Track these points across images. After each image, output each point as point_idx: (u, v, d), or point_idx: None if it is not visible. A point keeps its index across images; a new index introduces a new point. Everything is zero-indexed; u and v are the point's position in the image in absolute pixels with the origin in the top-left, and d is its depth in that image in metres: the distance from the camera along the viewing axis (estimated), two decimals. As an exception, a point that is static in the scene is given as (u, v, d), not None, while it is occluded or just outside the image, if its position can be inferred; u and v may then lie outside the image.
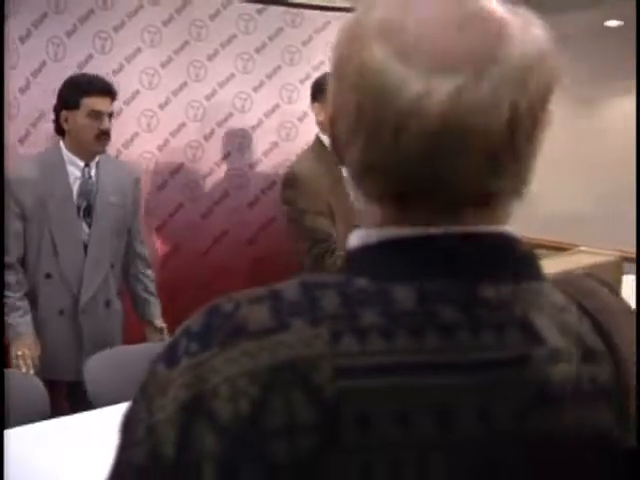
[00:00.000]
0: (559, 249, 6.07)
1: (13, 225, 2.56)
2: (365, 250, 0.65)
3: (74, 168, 2.67)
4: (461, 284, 0.61)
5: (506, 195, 0.64)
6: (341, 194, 2.56)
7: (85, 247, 2.67)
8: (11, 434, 1.73)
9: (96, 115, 2.59)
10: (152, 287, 2.88)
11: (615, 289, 0.77)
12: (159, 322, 2.85)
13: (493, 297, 0.61)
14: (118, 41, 3.04)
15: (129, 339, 2.83)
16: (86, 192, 2.68)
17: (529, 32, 0.61)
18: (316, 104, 2.85)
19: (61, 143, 2.66)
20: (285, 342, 0.57)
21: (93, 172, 2.70)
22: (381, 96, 0.58)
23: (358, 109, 0.60)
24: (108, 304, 2.75)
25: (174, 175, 3.22)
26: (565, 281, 0.71)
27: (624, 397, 0.66)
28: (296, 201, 2.63)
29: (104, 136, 2.62)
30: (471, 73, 0.57)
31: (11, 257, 2.56)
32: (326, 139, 2.79)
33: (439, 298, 0.60)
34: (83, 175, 2.68)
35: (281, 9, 3.43)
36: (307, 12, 3.47)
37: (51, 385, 2.39)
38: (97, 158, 2.71)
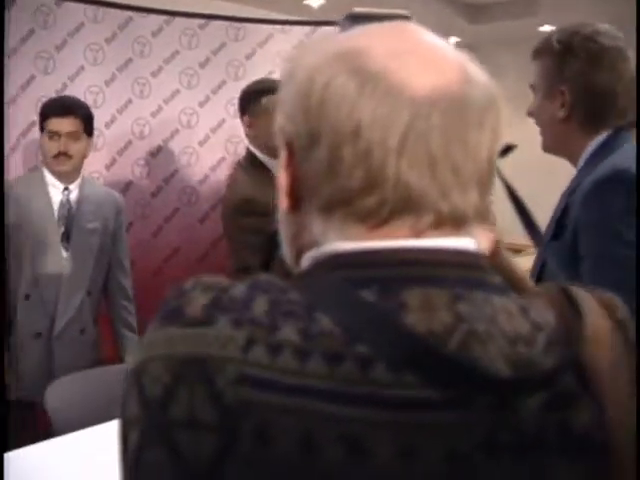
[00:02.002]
0: (514, 251, 6.17)
1: None
2: (314, 264, 0.64)
3: (55, 191, 2.66)
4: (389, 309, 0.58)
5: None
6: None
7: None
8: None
9: (52, 135, 2.58)
10: (130, 320, 2.83)
11: (615, 310, 0.67)
12: (129, 359, 2.77)
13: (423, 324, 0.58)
14: (61, 60, 2.99)
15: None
16: (63, 216, 2.66)
17: (482, 74, 0.65)
18: (246, 117, 2.83)
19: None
20: (204, 337, 0.57)
21: (73, 196, 2.68)
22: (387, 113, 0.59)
23: (355, 131, 0.60)
24: (82, 332, 2.69)
25: (123, 194, 3.16)
26: (548, 294, 0.66)
27: (608, 453, 0.59)
28: (264, 227, 2.59)
29: (62, 156, 2.60)
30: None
31: None
32: (259, 153, 2.78)
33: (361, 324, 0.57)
34: (63, 198, 2.67)
35: (224, 23, 3.41)
36: (249, 26, 3.46)
37: (25, 406, 2.44)
38: (78, 181, 2.69)
